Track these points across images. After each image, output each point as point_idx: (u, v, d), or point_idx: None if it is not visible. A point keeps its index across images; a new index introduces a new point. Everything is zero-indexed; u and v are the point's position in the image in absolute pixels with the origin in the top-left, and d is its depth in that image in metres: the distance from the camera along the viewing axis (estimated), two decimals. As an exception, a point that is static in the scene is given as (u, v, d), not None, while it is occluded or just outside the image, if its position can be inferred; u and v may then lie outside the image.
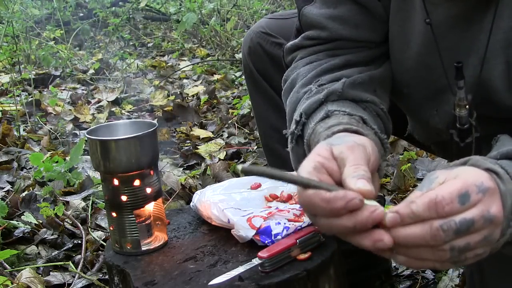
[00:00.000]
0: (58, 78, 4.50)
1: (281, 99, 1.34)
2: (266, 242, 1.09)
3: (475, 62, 1.05)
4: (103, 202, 2.10)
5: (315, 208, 0.81)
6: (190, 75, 4.51)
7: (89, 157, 2.16)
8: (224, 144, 2.88)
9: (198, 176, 2.43)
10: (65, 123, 3.37)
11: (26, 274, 1.71)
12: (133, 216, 1.13)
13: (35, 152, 2.73)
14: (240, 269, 1.00)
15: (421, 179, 0.81)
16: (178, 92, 3.92)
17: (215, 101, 3.67)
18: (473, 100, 1.06)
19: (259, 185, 1.29)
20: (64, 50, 4.90)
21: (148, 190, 1.14)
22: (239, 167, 0.81)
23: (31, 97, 3.75)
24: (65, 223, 2.05)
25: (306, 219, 1.14)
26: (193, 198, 1.30)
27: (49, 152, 2.78)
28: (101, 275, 1.76)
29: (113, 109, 3.69)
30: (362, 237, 0.80)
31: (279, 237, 1.09)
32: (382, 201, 1.69)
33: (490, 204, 0.78)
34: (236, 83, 4.13)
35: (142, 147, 1.12)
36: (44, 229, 2.03)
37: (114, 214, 1.15)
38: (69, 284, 1.74)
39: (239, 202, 1.20)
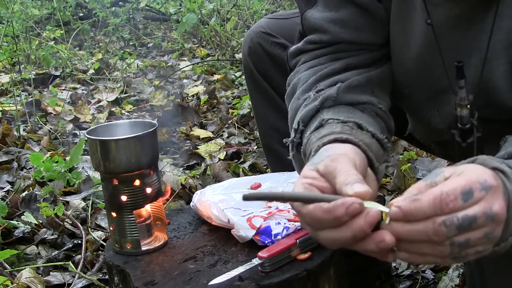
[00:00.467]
0: (58, 78, 4.50)
1: (281, 99, 1.34)
2: (266, 242, 1.09)
3: (476, 62, 1.05)
4: (103, 202, 2.10)
5: (318, 221, 0.82)
6: (190, 75, 4.51)
7: (89, 157, 2.16)
8: (224, 144, 2.88)
9: (198, 176, 2.43)
10: (65, 123, 3.36)
11: (26, 274, 1.71)
12: (133, 216, 1.13)
13: (35, 152, 2.73)
14: (240, 269, 1.01)
15: (421, 179, 0.85)
16: (178, 92, 3.92)
17: (215, 101, 3.67)
18: (474, 100, 1.05)
19: (259, 185, 1.29)
20: (64, 50, 4.90)
21: (148, 190, 1.14)
22: (241, 196, 0.82)
23: (31, 97, 3.75)
24: (65, 223, 2.05)
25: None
26: (193, 198, 1.30)
27: (49, 152, 2.77)
28: (101, 275, 1.76)
29: (113, 109, 3.69)
30: (365, 243, 0.81)
31: (279, 237, 1.09)
32: (382, 201, 1.69)
33: (493, 201, 0.78)
34: (236, 83, 4.13)
35: (142, 147, 1.12)
36: (44, 229, 2.03)
37: (114, 214, 1.15)
38: (69, 284, 1.74)
39: (239, 202, 1.20)
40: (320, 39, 1.17)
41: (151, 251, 1.16)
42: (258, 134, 2.96)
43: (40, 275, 1.76)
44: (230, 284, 0.99)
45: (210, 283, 0.99)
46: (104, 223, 2.06)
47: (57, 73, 4.60)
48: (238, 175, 2.39)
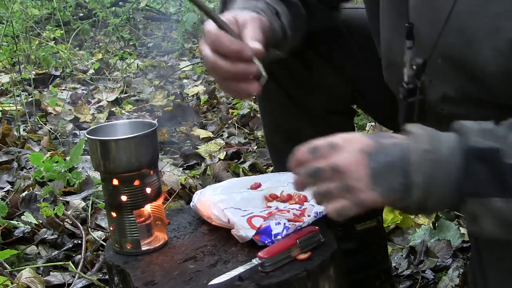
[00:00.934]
0: (58, 78, 4.50)
1: (287, 96, 1.35)
2: (266, 242, 1.09)
3: (437, 28, 1.05)
4: (103, 202, 2.10)
5: (219, 44, 1.01)
6: (190, 75, 4.50)
7: (89, 157, 2.16)
8: (224, 144, 2.88)
9: (198, 176, 2.44)
10: (65, 123, 3.36)
11: (26, 274, 1.71)
12: (133, 216, 1.13)
13: (35, 152, 2.73)
14: (240, 269, 1.01)
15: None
16: (178, 92, 3.92)
17: (215, 101, 3.67)
18: (456, 74, 1.07)
19: (259, 185, 1.29)
20: (64, 50, 4.90)
21: (148, 190, 1.14)
22: None
23: (31, 97, 3.75)
24: (65, 223, 2.05)
25: (306, 219, 1.14)
26: (193, 198, 1.30)
27: (49, 152, 2.77)
28: (101, 275, 1.76)
29: (113, 109, 3.69)
30: (238, 84, 1.04)
31: (279, 237, 1.09)
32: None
33: (338, 155, 0.93)
34: (236, 83, 4.12)
35: (142, 147, 1.12)
36: (44, 229, 2.03)
37: (114, 214, 1.15)
38: (69, 284, 1.74)
39: (239, 202, 1.20)
40: None
41: (151, 251, 1.16)
42: (258, 133, 2.98)
43: (40, 275, 1.76)
44: (230, 284, 0.99)
45: (210, 283, 0.99)
46: (104, 223, 2.06)
47: (57, 73, 4.59)
48: (238, 175, 2.39)
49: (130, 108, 3.74)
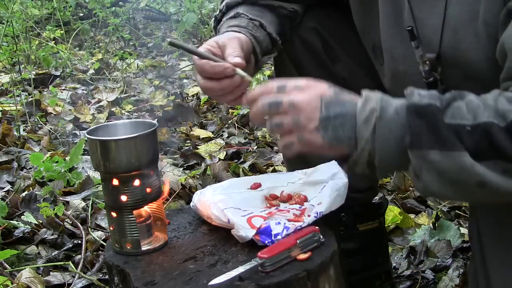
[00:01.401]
0: (58, 78, 4.49)
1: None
2: (266, 242, 1.09)
3: (436, 25, 1.11)
4: (103, 202, 2.10)
5: (204, 71, 1.21)
6: (190, 75, 4.50)
7: (89, 157, 2.16)
8: (224, 144, 2.88)
9: (198, 176, 2.44)
10: (65, 123, 3.36)
11: (26, 274, 1.71)
12: (133, 216, 1.13)
13: (35, 152, 2.73)
14: (240, 269, 1.00)
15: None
16: (178, 92, 3.92)
17: (215, 101, 3.67)
18: (442, 62, 1.13)
19: (259, 185, 1.29)
20: (64, 50, 4.90)
21: (148, 190, 1.14)
22: (168, 41, 1.26)
23: (31, 97, 3.74)
24: (65, 223, 2.05)
25: (306, 219, 1.14)
26: (193, 198, 1.30)
27: (49, 152, 2.77)
28: (101, 275, 1.77)
29: (113, 109, 3.69)
30: (228, 96, 1.23)
31: (279, 237, 1.09)
32: (385, 202, 1.70)
33: (299, 95, 1.03)
34: (236, 83, 4.12)
35: (142, 147, 1.12)
36: (44, 229, 2.03)
37: (114, 214, 1.15)
38: (69, 284, 1.74)
39: (239, 202, 1.20)
40: None
41: (151, 251, 1.15)
42: (258, 133, 2.97)
43: (40, 275, 1.76)
44: (230, 284, 0.99)
45: (210, 283, 0.99)
46: (104, 223, 2.06)
47: (57, 73, 4.59)
48: (238, 175, 2.39)
49: (130, 108, 3.74)
